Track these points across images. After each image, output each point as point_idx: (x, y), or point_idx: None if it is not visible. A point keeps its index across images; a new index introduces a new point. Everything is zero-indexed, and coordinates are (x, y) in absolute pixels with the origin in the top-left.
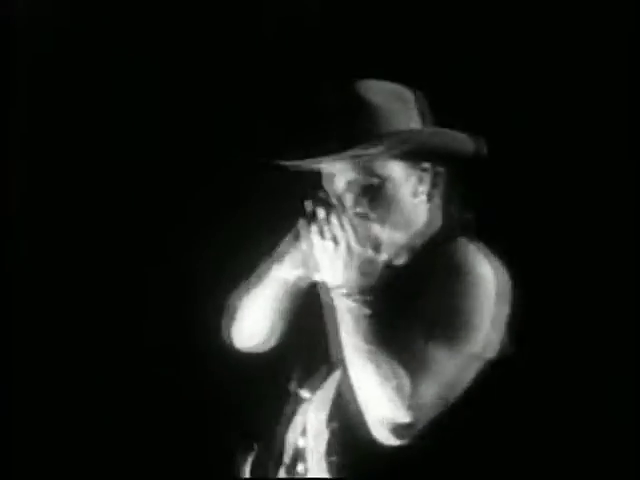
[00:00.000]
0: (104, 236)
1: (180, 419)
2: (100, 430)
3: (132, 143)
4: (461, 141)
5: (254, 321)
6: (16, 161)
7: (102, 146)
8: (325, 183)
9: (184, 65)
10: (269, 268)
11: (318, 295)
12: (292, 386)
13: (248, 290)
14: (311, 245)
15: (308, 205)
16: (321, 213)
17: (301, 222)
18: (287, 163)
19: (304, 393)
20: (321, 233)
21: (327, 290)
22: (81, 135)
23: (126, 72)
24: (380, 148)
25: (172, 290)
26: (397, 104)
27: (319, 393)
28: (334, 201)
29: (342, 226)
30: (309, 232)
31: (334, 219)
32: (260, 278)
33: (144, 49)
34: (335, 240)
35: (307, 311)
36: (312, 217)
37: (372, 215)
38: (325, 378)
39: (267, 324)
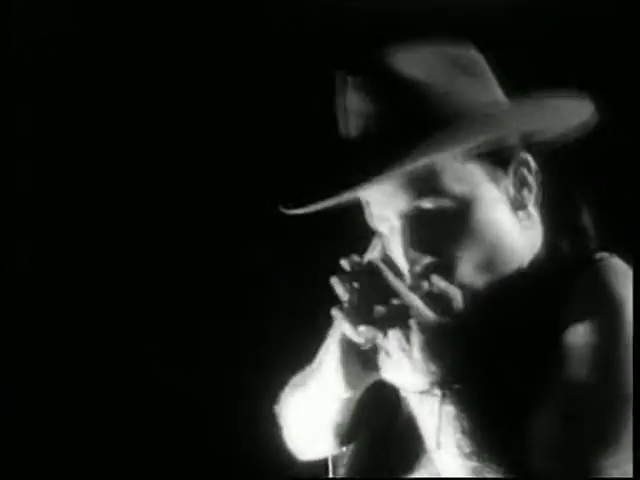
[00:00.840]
0: (108, 241)
1: None
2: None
3: (131, 144)
4: (580, 110)
5: (309, 428)
6: (16, 161)
7: (102, 146)
8: (376, 222)
9: (186, 67)
10: (312, 378)
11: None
12: None
13: (293, 394)
14: (359, 343)
15: (339, 284)
16: (363, 290)
17: (335, 312)
18: (295, 212)
19: None
20: (373, 323)
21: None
22: (81, 135)
23: (128, 73)
24: (452, 148)
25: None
26: (458, 72)
27: None
28: (382, 260)
29: (403, 304)
30: (351, 324)
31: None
32: (305, 382)
33: (148, 50)
34: (396, 327)
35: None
36: (350, 301)
37: (452, 262)
38: None
39: (329, 429)
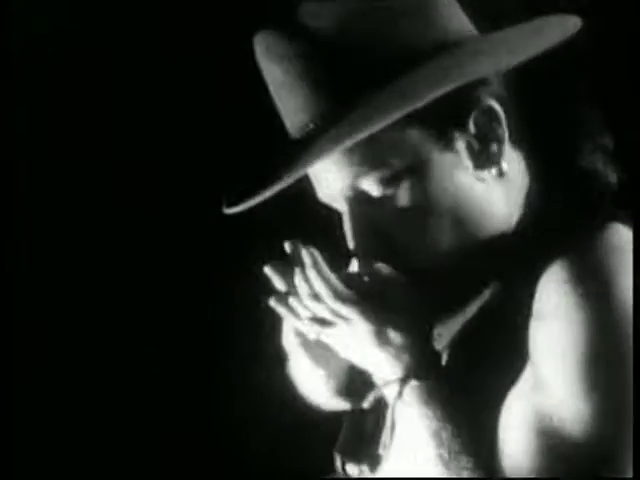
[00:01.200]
0: (108, 242)
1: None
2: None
3: (131, 144)
4: (565, 27)
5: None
6: (16, 161)
7: (102, 146)
8: (331, 202)
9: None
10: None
11: None
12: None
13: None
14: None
15: (275, 274)
16: (301, 285)
17: (274, 304)
18: (231, 212)
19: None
20: (315, 318)
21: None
22: (81, 135)
23: (128, 73)
24: (392, 109)
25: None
26: (397, 6)
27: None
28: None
29: (344, 298)
30: (292, 317)
31: (326, 286)
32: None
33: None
34: (341, 321)
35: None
36: (289, 293)
37: (403, 247)
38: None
39: (327, 394)
